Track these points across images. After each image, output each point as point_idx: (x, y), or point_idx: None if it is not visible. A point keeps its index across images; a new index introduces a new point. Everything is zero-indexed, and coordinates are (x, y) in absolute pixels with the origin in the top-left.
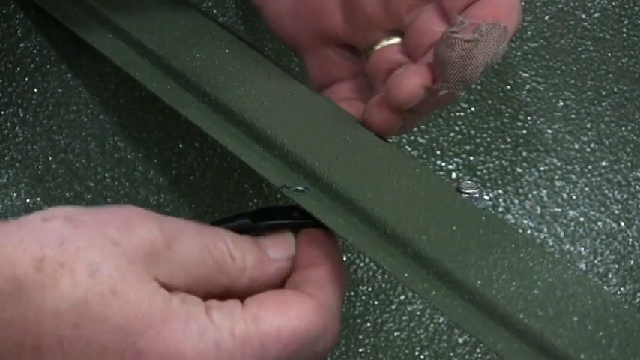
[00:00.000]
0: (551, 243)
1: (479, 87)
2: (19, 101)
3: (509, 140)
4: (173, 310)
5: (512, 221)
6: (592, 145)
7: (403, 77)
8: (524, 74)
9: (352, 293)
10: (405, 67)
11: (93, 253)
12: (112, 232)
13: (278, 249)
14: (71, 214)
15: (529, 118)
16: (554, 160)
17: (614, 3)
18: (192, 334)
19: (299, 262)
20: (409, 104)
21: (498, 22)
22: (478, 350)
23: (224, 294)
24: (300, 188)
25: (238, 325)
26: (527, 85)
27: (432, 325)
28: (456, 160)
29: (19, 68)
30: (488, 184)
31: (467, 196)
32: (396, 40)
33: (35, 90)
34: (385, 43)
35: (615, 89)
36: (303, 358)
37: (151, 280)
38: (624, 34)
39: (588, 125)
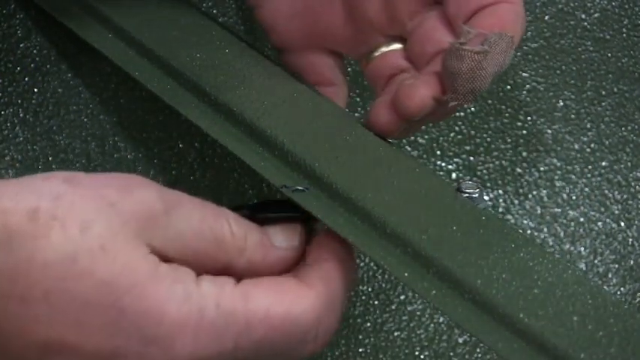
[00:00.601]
0: (551, 243)
1: None
2: (19, 101)
3: (509, 140)
4: (160, 273)
5: (512, 221)
6: (592, 145)
7: (413, 88)
8: (524, 74)
9: (352, 293)
10: (413, 78)
11: (87, 211)
12: (109, 192)
13: (282, 236)
14: (71, 174)
15: (529, 118)
16: (554, 160)
17: (614, 3)
18: (176, 296)
19: (309, 256)
20: (419, 115)
21: (505, 32)
22: (478, 350)
23: (221, 273)
24: (300, 188)
25: (226, 298)
26: (527, 85)
27: (432, 325)
28: (456, 160)
29: (19, 68)
30: (488, 184)
31: (467, 196)
32: (397, 46)
33: (35, 90)
34: (386, 48)
35: (615, 89)
36: (289, 348)
37: (143, 245)
38: (624, 35)
39: (588, 125)
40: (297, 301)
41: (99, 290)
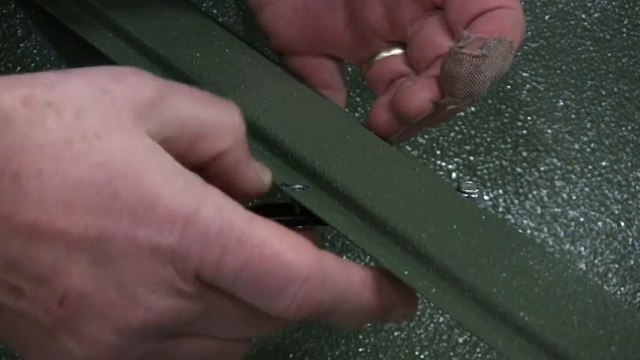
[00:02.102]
0: (551, 243)
1: None
2: None
3: (509, 140)
4: (157, 157)
5: (512, 221)
6: (592, 145)
7: (412, 91)
8: (524, 74)
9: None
10: (412, 81)
11: (81, 98)
12: (103, 81)
13: None
14: (64, 70)
15: (529, 118)
16: (554, 160)
17: (614, 3)
18: (175, 185)
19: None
20: (417, 118)
21: (504, 37)
22: (478, 350)
23: (217, 162)
24: (300, 186)
25: (230, 208)
26: (527, 85)
27: (432, 324)
28: (456, 160)
29: (19, 68)
30: (488, 184)
31: (467, 195)
32: (398, 51)
33: None
34: (386, 54)
35: (615, 89)
36: (266, 290)
37: (139, 130)
38: (624, 34)
39: (588, 125)
40: (297, 248)
41: (93, 171)
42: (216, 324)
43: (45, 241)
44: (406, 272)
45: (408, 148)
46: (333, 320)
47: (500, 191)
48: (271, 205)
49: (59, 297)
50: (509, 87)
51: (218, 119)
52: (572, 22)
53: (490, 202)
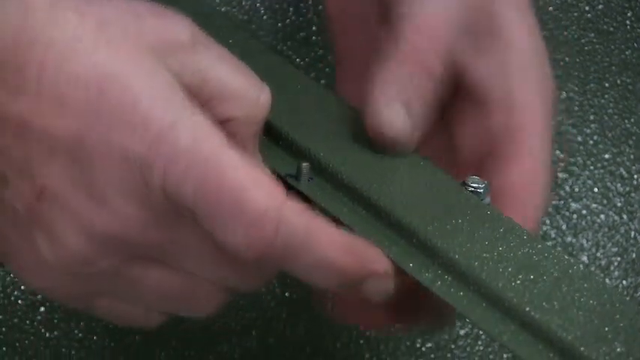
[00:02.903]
0: (553, 235)
1: None
2: None
3: None
4: (156, 73)
5: None
6: (595, 138)
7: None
8: None
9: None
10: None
11: (111, 13)
12: (142, 9)
13: None
14: None
15: None
16: (557, 152)
17: None
18: (160, 96)
19: None
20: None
21: None
22: (480, 342)
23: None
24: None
25: (207, 136)
26: None
27: None
28: None
29: None
30: None
31: (472, 190)
32: None
33: None
34: None
35: (619, 81)
36: (211, 224)
37: (156, 57)
38: (628, 27)
39: (591, 117)
40: (260, 184)
41: (89, 69)
42: (181, 253)
43: (32, 135)
44: (411, 265)
45: None
46: (297, 271)
47: None
48: None
49: (37, 192)
50: None
51: (241, 88)
52: (575, 14)
53: None
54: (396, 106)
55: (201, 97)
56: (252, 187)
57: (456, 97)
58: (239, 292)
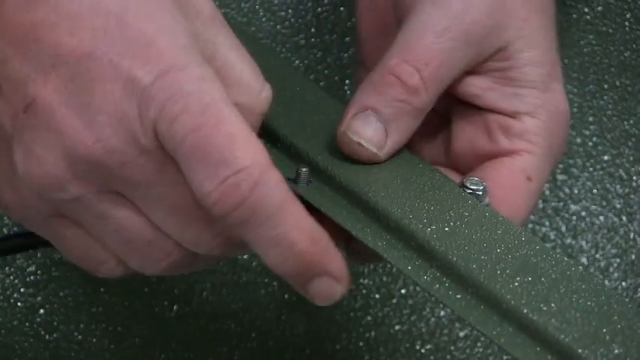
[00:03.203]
0: (552, 237)
1: None
2: None
3: None
4: (178, 22)
5: None
6: (594, 139)
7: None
8: None
9: (353, 286)
10: None
11: None
12: None
13: None
14: None
15: None
16: None
17: None
18: (179, 41)
19: None
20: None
21: None
22: (479, 344)
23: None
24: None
25: (208, 74)
26: None
27: (432, 318)
28: None
29: None
30: None
31: (470, 192)
32: None
33: None
34: None
35: (617, 83)
36: (190, 167)
37: (178, 10)
38: (627, 28)
39: (590, 119)
40: (251, 143)
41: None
42: (154, 201)
43: (38, 47)
44: (409, 267)
45: None
46: (255, 242)
47: None
48: None
49: (26, 103)
50: None
51: (247, 76)
52: (574, 16)
53: None
54: (366, 115)
55: None
56: (242, 142)
57: (454, 102)
58: (192, 258)
